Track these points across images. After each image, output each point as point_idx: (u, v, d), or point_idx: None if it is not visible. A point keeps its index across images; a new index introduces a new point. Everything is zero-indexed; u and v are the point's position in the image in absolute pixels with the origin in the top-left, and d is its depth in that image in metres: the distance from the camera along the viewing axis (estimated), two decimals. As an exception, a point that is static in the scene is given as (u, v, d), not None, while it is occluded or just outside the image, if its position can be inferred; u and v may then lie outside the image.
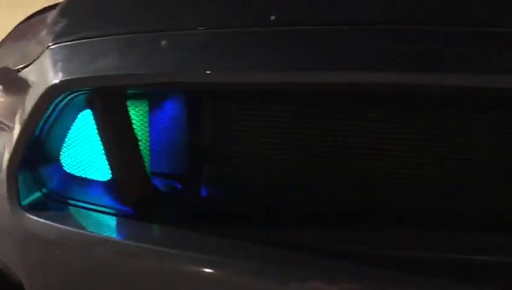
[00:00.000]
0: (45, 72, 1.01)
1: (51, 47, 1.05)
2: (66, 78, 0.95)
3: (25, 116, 1.01)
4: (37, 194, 1.08)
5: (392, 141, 1.00)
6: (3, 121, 1.22)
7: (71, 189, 1.11)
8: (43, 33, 1.11)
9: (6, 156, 1.05)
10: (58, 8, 1.15)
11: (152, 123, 1.12)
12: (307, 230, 0.99)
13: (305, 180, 1.05)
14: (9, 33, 1.39)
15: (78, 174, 1.14)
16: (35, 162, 1.08)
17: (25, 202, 1.05)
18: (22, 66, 1.11)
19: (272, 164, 1.04)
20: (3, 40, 1.38)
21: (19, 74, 1.11)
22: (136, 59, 0.93)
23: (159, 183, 1.11)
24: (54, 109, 1.00)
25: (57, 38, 1.05)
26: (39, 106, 0.99)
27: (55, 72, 0.98)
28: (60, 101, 0.99)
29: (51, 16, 1.17)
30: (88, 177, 1.13)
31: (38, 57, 1.07)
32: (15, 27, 1.41)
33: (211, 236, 0.97)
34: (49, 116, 1.01)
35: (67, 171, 1.14)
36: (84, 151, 1.14)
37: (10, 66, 1.15)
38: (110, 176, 1.09)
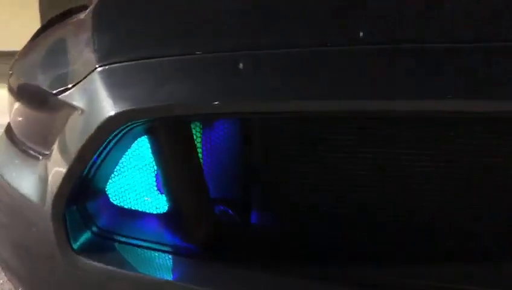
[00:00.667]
0: (98, 99, 0.89)
1: (99, 68, 0.92)
2: (130, 107, 0.83)
3: (76, 149, 0.89)
4: (87, 234, 0.96)
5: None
6: (35, 147, 1.10)
7: (123, 225, 1.00)
8: (85, 48, 0.98)
9: (50, 192, 0.93)
10: (99, 15, 1.02)
11: (205, 145, 1.01)
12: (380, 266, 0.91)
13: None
14: (33, 39, 1.24)
15: (126, 207, 1.03)
16: (82, 198, 0.96)
17: (77, 245, 0.93)
18: (61, 88, 0.98)
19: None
20: (26, 48, 1.23)
21: (58, 97, 0.98)
22: (216, 83, 0.82)
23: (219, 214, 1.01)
24: (110, 141, 0.88)
25: (109, 57, 0.92)
26: (95, 138, 0.87)
27: (113, 100, 0.86)
28: (119, 132, 0.87)
29: (88, 22, 1.04)
30: (138, 210, 1.02)
31: (83, 79, 0.95)
32: (39, 32, 1.25)
33: (291, 280, 0.87)
34: (103, 149, 0.90)
35: (116, 204, 1.03)
36: (132, 182, 1.02)
37: (45, 87, 1.02)
38: (167, 208, 0.98)
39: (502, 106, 0.76)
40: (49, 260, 0.95)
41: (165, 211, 0.99)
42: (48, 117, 1.04)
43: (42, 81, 1.04)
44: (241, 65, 0.82)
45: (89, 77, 0.93)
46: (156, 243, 0.96)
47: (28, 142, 1.13)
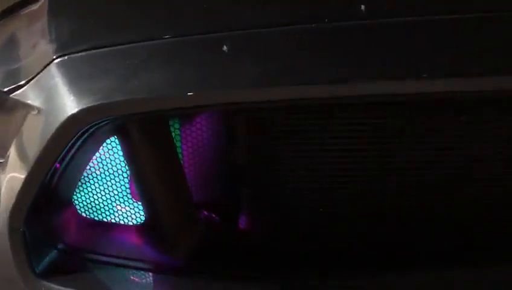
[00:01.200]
0: (57, 95, 0.76)
1: (57, 60, 0.79)
2: (96, 103, 0.70)
3: (34, 154, 0.76)
4: (53, 253, 0.83)
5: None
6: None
7: (94, 240, 0.86)
8: (40, 39, 0.85)
9: (6, 205, 0.80)
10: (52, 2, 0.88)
11: (185, 143, 0.88)
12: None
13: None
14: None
15: (97, 219, 0.90)
16: (45, 210, 0.83)
17: (40, 267, 0.79)
18: (13, 86, 0.84)
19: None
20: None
21: (10, 96, 0.85)
22: (199, 70, 0.70)
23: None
24: (73, 143, 0.75)
25: (67, 46, 0.79)
26: (56, 141, 0.73)
27: (76, 95, 0.73)
28: (84, 133, 0.74)
29: (43, 10, 0.90)
30: (111, 222, 0.89)
31: (38, 74, 0.81)
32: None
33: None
34: (67, 153, 0.76)
35: (85, 216, 0.89)
36: (102, 190, 0.89)
37: (-6, 86, 0.88)
38: (144, 218, 0.85)
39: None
40: (8, 285, 0.81)
41: (141, 222, 0.86)
42: (1, 119, 0.90)
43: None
44: (225, 48, 0.70)
45: (44, 70, 0.80)
46: (134, 259, 0.84)
47: None
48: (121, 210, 0.89)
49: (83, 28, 0.81)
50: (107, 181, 0.88)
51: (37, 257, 0.80)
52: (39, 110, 0.78)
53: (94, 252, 0.85)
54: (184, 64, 0.70)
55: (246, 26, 0.71)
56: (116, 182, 0.87)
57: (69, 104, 0.72)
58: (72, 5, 0.86)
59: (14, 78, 0.85)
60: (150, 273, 0.82)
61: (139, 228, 0.86)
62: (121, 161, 0.86)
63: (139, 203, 0.88)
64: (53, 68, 0.78)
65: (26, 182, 0.77)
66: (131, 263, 0.83)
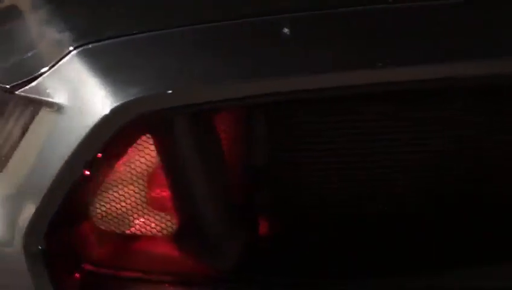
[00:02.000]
0: (84, 89, 0.65)
1: (76, 50, 0.68)
2: (145, 94, 0.61)
3: (59, 159, 0.65)
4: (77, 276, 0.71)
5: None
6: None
7: (118, 255, 0.76)
8: (43, 29, 0.74)
9: (20, 226, 0.68)
10: None
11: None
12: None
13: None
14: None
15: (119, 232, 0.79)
16: (63, 226, 0.71)
17: (69, 291, 0.68)
18: (19, 82, 0.72)
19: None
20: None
21: (15, 92, 0.73)
22: (254, 57, 0.62)
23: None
24: (109, 143, 0.65)
25: (89, 34, 0.68)
26: (91, 140, 0.63)
27: (113, 87, 0.63)
28: (121, 131, 0.64)
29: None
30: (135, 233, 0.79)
31: (50, 68, 0.70)
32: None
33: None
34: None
35: (104, 229, 0.78)
36: (121, 200, 0.79)
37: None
38: (175, 228, 0.76)
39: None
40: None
41: (173, 232, 0.76)
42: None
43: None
44: (286, 30, 0.63)
45: (61, 63, 0.69)
46: (167, 273, 0.74)
47: None
48: (142, 221, 0.79)
49: (107, 13, 0.71)
50: (128, 189, 0.78)
51: (60, 279, 0.69)
52: (59, 106, 0.67)
53: (122, 268, 0.74)
54: (241, 50, 0.63)
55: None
56: (139, 190, 0.77)
57: (107, 98, 0.62)
58: None
59: (18, 73, 0.73)
60: (189, 287, 0.73)
61: (170, 238, 0.76)
62: (143, 166, 0.76)
63: (159, 212, 0.79)
64: (73, 59, 0.68)
65: (51, 191, 0.65)
66: (164, 278, 0.73)
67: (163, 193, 0.77)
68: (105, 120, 0.62)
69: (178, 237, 0.75)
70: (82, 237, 0.74)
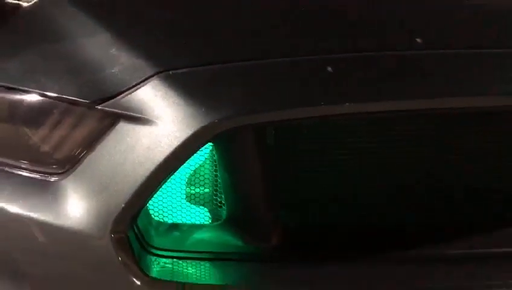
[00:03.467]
0: (174, 107, 0.81)
1: (159, 74, 0.83)
2: (233, 114, 0.78)
3: (150, 163, 0.80)
4: (149, 257, 0.87)
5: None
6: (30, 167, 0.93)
7: (178, 240, 0.92)
8: (123, 52, 0.87)
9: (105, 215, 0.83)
10: None
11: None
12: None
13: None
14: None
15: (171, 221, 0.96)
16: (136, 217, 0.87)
17: (153, 272, 0.84)
18: (101, 97, 0.85)
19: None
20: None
21: (97, 107, 0.86)
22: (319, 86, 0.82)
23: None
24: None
25: (172, 62, 0.84)
26: (183, 150, 0.79)
27: (206, 107, 0.79)
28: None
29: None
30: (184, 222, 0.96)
31: (133, 87, 0.84)
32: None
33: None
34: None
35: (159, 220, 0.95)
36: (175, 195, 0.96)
37: (69, 95, 0.88)
38: (225, 217, 0.94)
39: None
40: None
41: (224, 219, 0.94)
42: (53, 131, 0.90)
43: (59, 88, 0.89)
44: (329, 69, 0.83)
45: (146, 83, 0.84)
46: (220, 253, 0.92)
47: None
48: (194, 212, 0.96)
49: (183, 44, 0.87)
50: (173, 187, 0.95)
51: (143, 262, 0.85)
52: (141, 120, 0.82)
53: (182, 251, 0.91)
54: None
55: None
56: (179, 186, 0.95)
57: (199, 115, 0.79)
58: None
59: (97, 90, 0.86)
60: (243, 263, 0.91)
61: (222, 225, 0.94)
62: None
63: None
64: (155, 83, 0.83)
65: (140, 190, 0.81)
66: (220, 256, 0.91)
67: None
68: (195, 136, 0.78)
69: (229, 224, 0.93)
70: (146, 225, 0.90)
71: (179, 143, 0.79)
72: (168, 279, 0.85)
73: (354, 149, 0.96)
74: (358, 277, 0.90)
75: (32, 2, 1.13)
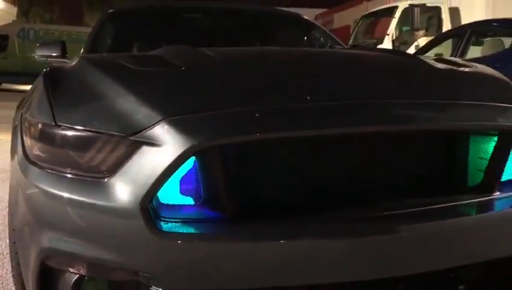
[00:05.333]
0: (176, 137, 1.52)
1: (167, 119, 1.54)
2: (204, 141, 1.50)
3: (161, 167, 1.49)
4: (158, 221, 1.56)
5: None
6: (87, 174, 1.62)
7: (175, 212, 1.61)
8: (144, 101, 1.59)
9: (135, 196, 1.51)
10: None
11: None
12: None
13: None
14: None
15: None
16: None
17: (162, 228, 1.53)
18: (133, 132, 1.55)
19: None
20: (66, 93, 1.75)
21: (130, 138, 1.56)
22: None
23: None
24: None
25: (174, 110, 1.58)
26: (177, 162, 1.49)
27: (189, 136, 1.52)
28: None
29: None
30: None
31: (151, 125, 1.55)
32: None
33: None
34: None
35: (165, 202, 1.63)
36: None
37: (113, 131, 1.57)
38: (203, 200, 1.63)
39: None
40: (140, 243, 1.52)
41: (202, 201, 1.62)
42: (99, 153, 1.60)
43: (108, 127, 1.59)
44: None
45: (159, 124, 1.53)
46: (201, 219, 1.60)
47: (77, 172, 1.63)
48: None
49: (184, 96, 1.59)
50: (176, 182, 1.64)
51: (157, 223, 1.54)
52: (156, 145, 1.51)
53: (177, 218, 1.59)
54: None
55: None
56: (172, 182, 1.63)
57: (186, 141, 1.49)
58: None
59: (128, 126, 1.56)
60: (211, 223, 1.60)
61: (200, 205, 1.62)
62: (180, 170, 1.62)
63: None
64: (163, 124, 1.53)
65: (157, 181, 1.49)
66: (199, 221, 1.60)
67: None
68: (185, 152, 1.48)
69: (204, 204, 1.62)
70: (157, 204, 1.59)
71: (175, 157, 1.48)
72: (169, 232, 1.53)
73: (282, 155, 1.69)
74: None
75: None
